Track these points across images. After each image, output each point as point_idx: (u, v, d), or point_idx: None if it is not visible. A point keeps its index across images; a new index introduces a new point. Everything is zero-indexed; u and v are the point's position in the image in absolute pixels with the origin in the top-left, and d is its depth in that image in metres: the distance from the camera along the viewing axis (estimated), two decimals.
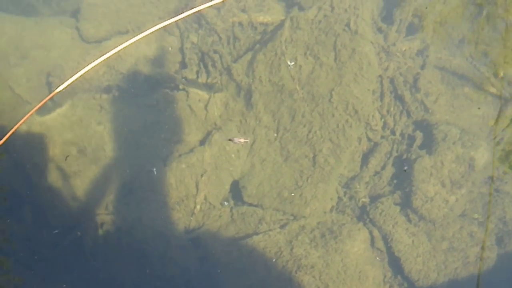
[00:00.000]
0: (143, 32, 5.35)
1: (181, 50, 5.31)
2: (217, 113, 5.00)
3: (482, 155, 4.74)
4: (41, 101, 4.96)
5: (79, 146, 4.77)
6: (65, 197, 4.66)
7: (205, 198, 4.73)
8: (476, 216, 4.63)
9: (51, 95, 4.73)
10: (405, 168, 4.76)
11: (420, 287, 4.49)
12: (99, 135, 4.82)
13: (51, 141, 4.77)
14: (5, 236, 4.55)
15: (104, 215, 4.65)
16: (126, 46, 4.64)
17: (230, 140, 4.83)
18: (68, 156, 4.68)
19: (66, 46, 5.31)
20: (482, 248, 4.53)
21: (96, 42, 5.37)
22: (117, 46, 5.26)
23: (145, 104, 5.00)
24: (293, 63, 5.00)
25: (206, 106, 5.02)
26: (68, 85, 4.42)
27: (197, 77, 5.17)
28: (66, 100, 4.98)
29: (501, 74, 5.08)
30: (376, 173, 4.84)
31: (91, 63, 5.16)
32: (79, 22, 5.43)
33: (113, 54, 4.70)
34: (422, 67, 5.14)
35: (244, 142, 4.85)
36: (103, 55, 5.20)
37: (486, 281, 4.47)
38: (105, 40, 5.36)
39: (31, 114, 4.71)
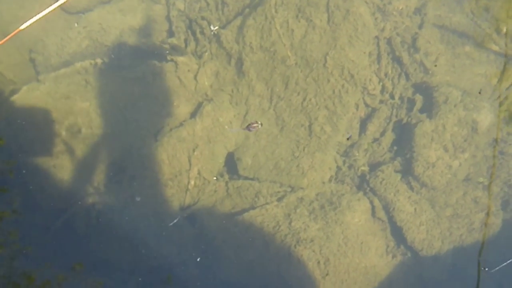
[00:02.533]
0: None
1: (168, 18, 5.08)
2: (208, 83, 4.79)
3: (486, 117, 4.55)
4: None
5: (64, 125, 4.58)
6: (53, 179, 4.50)
7: (199, 173, 4.57)
8: (481, 180, 4.47)
9: (12, 34, 4.48)
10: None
11: (424, 256, 4.36)
12: (85, 112, 4.62)
13: (35, 121, 4.59)
14: None
15: (96, 195, 4.50)
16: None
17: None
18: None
19: (47, 19, 5.07)
20: (487, 213, 4.39)
21: (78, 13, 5.13)
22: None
23: (132, 77, 4.78)
24: (216, 27, 4.80)
25: (195, 76, 4.80)
26: (31, 24, 4.14)
27: (186, 45, 4.94)
28: (50, 77, 4.77)
29: (504, 30, 4.84)
30: (375, 139, 4.66)
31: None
32: None
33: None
34: (420, 26, 4.90)
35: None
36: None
37: (492, 247, 4.33)
38: (87, 11, 5.12)
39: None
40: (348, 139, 4.59)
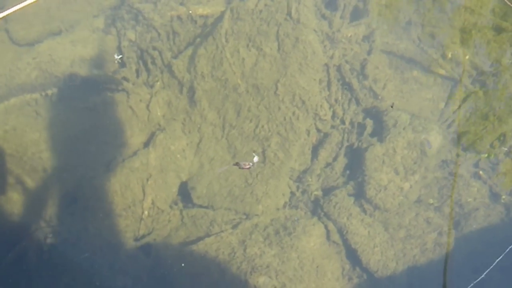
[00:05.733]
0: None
1: (119, 48, 5.08)
2: (160, 113, 4.79)
3: (435, 139, 4.64)
4: None
5: (14, 157, 4.51)
6: (3, 212, 4.40)
7: (153, 203, 4.53)
8: (431, 201, 4.54)
9: None
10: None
11: (380, 277, 4.39)
12: (35, 144, 4.56)
13: None
14: None
15: (48, 228, 4.41)
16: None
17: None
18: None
19: None
20: (447, 233, 4.45)
21: (28, 45, 5.10)
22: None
23: (83, 108, 4.75)
24: (120, 56, 4.86)
25: (148, 106, 4.80)
26: None
27: (137, 76, 4.94)
28: None
29: (449, 55, 4.99)
30: (328, 164, 4.71)
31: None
32: (8, 24, 5.14)
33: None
34: (369, 52, 5.02)
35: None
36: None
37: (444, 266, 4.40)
38: (37, 42, 5.09)
39: None
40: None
